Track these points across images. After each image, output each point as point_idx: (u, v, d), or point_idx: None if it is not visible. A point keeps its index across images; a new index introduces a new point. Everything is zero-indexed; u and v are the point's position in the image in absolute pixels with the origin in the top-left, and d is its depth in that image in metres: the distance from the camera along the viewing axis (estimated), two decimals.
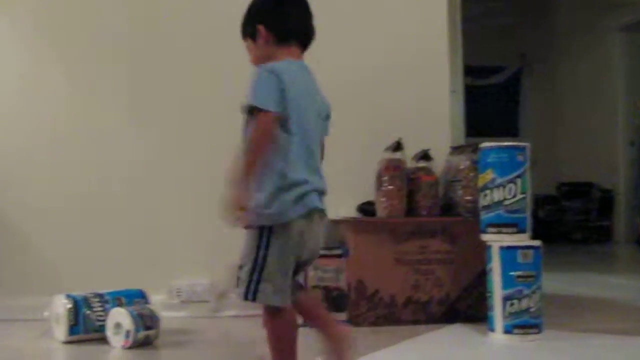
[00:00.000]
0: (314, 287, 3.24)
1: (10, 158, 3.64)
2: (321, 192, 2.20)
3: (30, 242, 3.61)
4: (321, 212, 2.19)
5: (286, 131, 2.12)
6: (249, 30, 2.25)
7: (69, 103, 3.67)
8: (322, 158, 2.30)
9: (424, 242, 3.25)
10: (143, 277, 3.36)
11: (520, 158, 2.91)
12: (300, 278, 2.44)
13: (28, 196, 3.61)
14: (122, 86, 3.68)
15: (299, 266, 2.19)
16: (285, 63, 2.17)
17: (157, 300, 3.20)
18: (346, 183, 3.54)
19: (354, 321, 3.21)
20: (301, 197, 2.11)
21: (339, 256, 3.26)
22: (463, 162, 3.38)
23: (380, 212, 3.33)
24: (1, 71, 3.67)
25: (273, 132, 2.09)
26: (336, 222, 3.42)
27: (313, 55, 2.30)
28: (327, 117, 2.34)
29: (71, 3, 3.70)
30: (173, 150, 3.65)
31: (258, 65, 2.19)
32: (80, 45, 3.67)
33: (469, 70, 4.75)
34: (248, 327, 3.21)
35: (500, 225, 2.89)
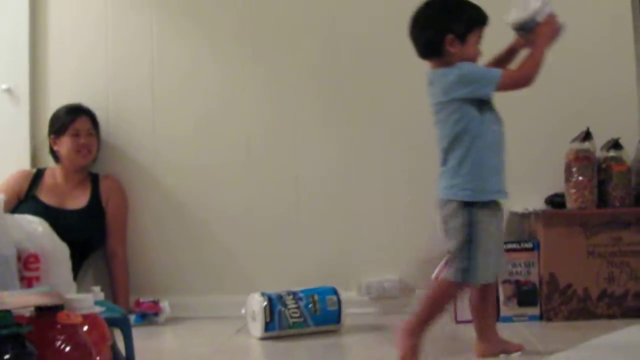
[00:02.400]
0: (505, 281, 3.21)
1: (208, 167, 3.78)
2: None
3: (226, 245, 3.74)
4: None
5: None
6: (460, 30, 2.46)
7: (261, 109, 3.78)
8: None
9: (618, 233, 3.15)
10: (334, 274, 3.42)
11: None
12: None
13: (225, 201, 3.75)
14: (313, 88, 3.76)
15: None
16: None
17: (347, 297, 3.24)
18: (534, 175, 3.50)
19: (546, 315, 3.16)
20: None
21: (530, 249, 3.22)
22: None
23: (571, 204, 3.25)
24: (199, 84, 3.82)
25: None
26: (525, 215, 3.38)
27: None
28: None
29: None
30: (362, 148, 3.69)
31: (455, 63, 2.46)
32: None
33: None
34: (439, 322, 3.22)
35: None
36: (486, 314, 2.61)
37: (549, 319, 3.16)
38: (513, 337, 2.90)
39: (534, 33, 2.48)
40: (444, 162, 2.50)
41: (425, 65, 2.57)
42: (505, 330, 3.05)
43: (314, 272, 3.55)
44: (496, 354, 2.53)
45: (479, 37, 2.50)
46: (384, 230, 3.62)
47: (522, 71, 2.47)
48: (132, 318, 3.33)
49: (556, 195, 3.36)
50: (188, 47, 3.81)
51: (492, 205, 2.48)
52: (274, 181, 3.73)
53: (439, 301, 2.52)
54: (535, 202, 3.41)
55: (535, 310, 3.20)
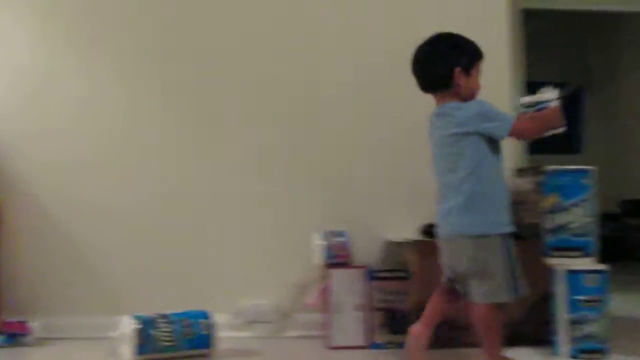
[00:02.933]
0: (377, 308, 3.25)
1: (74, 174, 3.71)
2: None
3: (98, 265, 3.68)
4: None
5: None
6: (466, 64, 2.70)
7: (124, 116, 3.75)
8: None
9: None
10: (207, 297, 3.40)
11: (585, 182, 2.89)
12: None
13: (94, 223, 3.69)
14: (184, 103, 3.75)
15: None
16: None
17: (221, 320, 3.23)
18: (409, 205, 3.56)
19: None
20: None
21: (402, 278, 3.27)
22: (527, 184, 3.36)
23: None
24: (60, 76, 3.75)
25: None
26: (400, 244, 3.43)
27: None
28: None
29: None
30: (235, 168, 3.70)
31: (464, 99, 2.70)
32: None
33: (530, 87, 4.69)
34: (312, 347, 3.24)
35: (565, 249, 2.87)
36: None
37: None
38: None
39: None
40: (454, 195, 2.66)
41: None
42: (377, 358, 3.11)
43: (187, 294, 3.53)
44: None
45: (479, 70, 2.73)
46: (259, 253, 3.63)
47: (527, 124, 2.70)
48: None
49: (430, 225, 3.41)
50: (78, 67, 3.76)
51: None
52: (144, 203, 3.70)
53: (493, 326, 2.67)
54: (410, 232, 3.47)
55: (404, 338, 3.23)
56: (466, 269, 2.66)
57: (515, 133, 2.66)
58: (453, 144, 2.65)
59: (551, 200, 2.92)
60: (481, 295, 2.63)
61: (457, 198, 2.64)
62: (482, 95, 3.60)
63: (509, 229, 2.66)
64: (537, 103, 2.75)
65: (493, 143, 2.66)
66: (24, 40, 3.73)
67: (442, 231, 2.77)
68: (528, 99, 2.79)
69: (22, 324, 3.42)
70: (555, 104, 2.68)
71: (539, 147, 3.77)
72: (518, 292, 2.65)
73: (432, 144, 2.77)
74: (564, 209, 2.87)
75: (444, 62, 2.69)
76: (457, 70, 2.67)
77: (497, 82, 3.70)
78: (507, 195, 2.73)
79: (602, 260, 2.93)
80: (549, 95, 2.73)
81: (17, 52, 3.73)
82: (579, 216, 2.86)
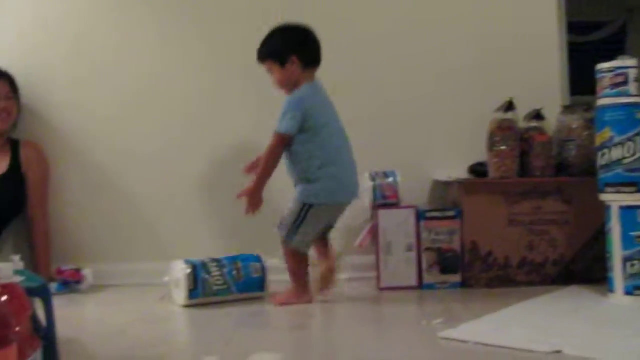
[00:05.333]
0: (427, 249, 3.25)
1: (129, 141, 3.75)
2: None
3: (148, 213, 3.74)
4: None
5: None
6: (279, 56, 2.97)
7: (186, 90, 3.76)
8: None
9: (538, 202, 3.21)
10: (257, 242, 3.41)
11: (639, 115, 2.84)
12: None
13: (145, 172, 3.74)
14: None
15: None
16: (305, 88, 2.97)
17: (272, 264, 3.24)
18: (457, 144, 3.56)
19: (468, 283, 3.22)
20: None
21: (452, 218, 3.26)
22: (576, 121, 3.32)
23: (493, 173, 3.29)
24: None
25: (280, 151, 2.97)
26: (448, 184, 3.42)
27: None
28: None
29: None
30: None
31: (286, 91, 3.00)
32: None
33: (572, 27, 4.61)
34: (363, 288, 3.26)
35: (619, 184, 2.83)
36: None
37: (471, 286, 3.21)
38: (435, 304, 2.96)
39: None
40: None
41: None
42: (427, 297, 3.11)
43: (236, 240, 3.58)
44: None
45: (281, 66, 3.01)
46: None
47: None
48: (53, 287, 3.30)
49: (479, 164, 3.40)
50: (119, 20, 3.76)
51: None
52: (191, 156, 3.72)
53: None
54: (458, 171, 3.45)
55: (457, 278, 3.24)
56: None
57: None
58: None
59: (604, 135, 2.87)
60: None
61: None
62: (527, 30, 3.61)
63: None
64: (616, 68, 2.83)
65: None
66: None
67: None
68: (608, 64, 2.87)
69: (75, 271, 3.47)
70: None
71: (583, 89, 3.71)
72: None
73: None
74: (617, 144, 2.82)
75: (270, 55, 3.03)
76: (274, 65, 2.99)
77: (544, 23, 3.67)
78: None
79: None
80: (629, 63, 2.84)
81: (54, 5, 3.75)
82: (633, 151, 2.81)
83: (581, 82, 3.74)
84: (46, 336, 1.90)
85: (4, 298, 1.61)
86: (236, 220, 3.40)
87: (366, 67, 3.66)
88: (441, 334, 2.32)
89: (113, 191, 3.71)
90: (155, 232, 3.70)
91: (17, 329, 1.55)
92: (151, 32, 3.74)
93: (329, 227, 3.10)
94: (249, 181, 3.01)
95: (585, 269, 3.21)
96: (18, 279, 1.72)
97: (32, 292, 1.87)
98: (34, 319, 1.88)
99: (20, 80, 3.63)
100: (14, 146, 3.62)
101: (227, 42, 3.71)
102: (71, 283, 3.44)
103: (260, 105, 3.57)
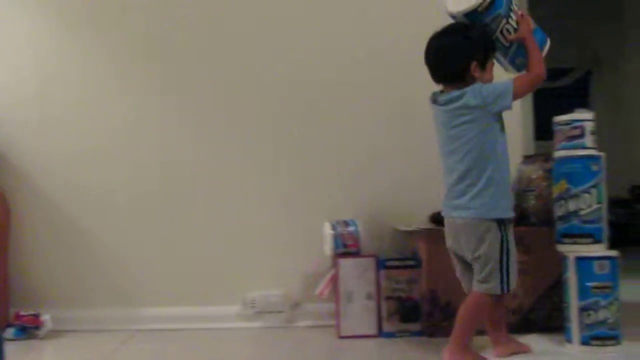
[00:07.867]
0: (387, 297, 3.25)
1: (91, 185, 3.72)
2: None
3: (108, 259, 3.69)
4: None
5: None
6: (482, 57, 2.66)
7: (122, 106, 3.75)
8: None
9: None
10: (217, 289, 3.40)
11: (594, 168, 2.88)
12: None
13: (106, 218, 3.71)
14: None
15: None
16: None
17: (231, 311, 3.23)
18: (418, 193, 3.55)
19: (428, 331, 3.22)
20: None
21: (412, 267, 3.28)
22: (535, 171, 3.35)
23: None
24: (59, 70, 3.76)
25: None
26: (409, 233, 3.43)
27: None
28: None
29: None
30: (246, 160, 3.69)
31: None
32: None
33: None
34: (322, 336, 3.25)
35: (575, 235, 2.87)
36: (501, 320, 2.85)
37: (431, 335, 3.21)
38: (394, 353, 2.95)
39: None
40: (460, 179, 2.69)
41: None
42: (387, 346, 3.11)
43: (197, 286, 3.58)
44: (511, 353, 2.79)
45: (493, 63, 2.72)
46: (268, 242, 3.62)
47: (533, 73, 2.68)
48: (11, 332, 3.27)
49: (440, 213, 3.41)
50: (84, 60, 3.77)
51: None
52: (153, 195, 3.71)
53: (478, 314, 2.73)
54: (419, 220, 3.47)
55: (417, 327, 3.25)
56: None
57: (524, 91, 2.69)
58: (458, 128, 2.65)
59: (560, 186, 2.91)
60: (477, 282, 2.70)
61: (464, 182, 2.67)
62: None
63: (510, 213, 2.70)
64: (572, 121, 2.92)
65: (501, 124, 2.67)
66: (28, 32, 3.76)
67: (446, 214, 2.82)
68: (565, 117, 2.93)
69: (34, 316, 3.44)
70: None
71: (546, 134, 3.75)
72: (514, 284, 2.71)
73: (437, 129, 2.76)
74: (574, 196, 2.86)
75: (460, 55, 2.66)
76: (474, 64, 2.64)
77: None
78: (510, 179, 2.76)
79: (612, 246, 2.92)
80: (585, 116, 2.94)
81: (20, 45, 3.76)
82: (589, 202, 2.85)
83: (546, 127, 3.78)
84: None
85: None
86: (198, 265, 3.39)
87: (330, 115, 3.68)
88: None
89: (74, 236, 3.68)
90: (115, 279, 3.66)
91: None
92: (114, 78, 3.74)
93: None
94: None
95: (544, 317, 3.22)
96: None
97: None
98: None
99: None
100: None
101: (194, 86, 3.72)
102: (30, 328, 3.41)
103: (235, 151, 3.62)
